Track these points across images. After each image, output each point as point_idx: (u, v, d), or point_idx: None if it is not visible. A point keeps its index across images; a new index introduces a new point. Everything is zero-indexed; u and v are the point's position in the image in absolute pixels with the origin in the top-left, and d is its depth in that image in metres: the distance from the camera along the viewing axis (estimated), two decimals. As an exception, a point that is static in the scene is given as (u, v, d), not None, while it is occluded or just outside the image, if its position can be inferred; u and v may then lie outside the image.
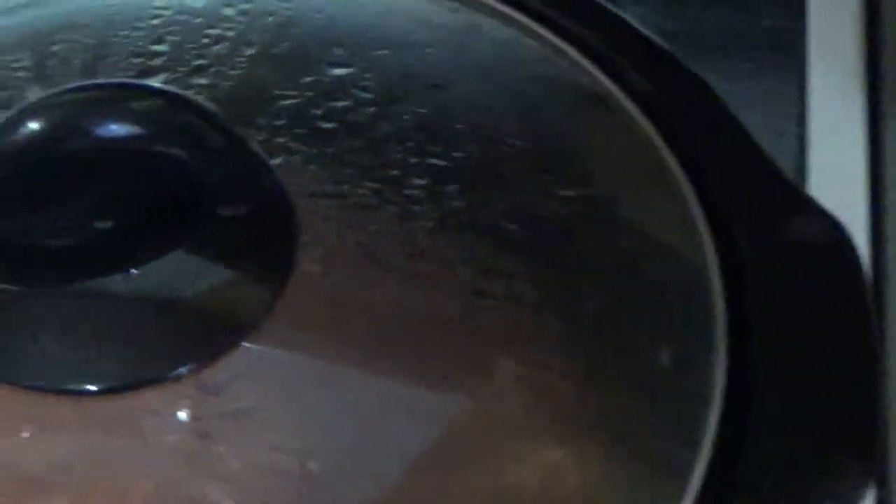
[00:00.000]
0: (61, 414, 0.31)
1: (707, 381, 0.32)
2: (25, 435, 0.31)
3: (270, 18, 0.37)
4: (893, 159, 0.51)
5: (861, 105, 0.52)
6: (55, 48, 0.37)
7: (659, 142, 0.35)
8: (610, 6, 0.39)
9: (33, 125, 0.31)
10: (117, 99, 0.32)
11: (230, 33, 0.36)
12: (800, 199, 0.34)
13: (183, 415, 0.31)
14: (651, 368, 0.33)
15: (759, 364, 0.32)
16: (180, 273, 0.31)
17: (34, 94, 0.35)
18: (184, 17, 0.36)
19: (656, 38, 0.38)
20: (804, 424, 0.32)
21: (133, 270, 0.31)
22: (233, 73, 0.36)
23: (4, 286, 0.31)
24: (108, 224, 0.31)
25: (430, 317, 0.33)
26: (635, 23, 0.38)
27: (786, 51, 0.54)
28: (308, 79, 0.36)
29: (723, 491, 0.31)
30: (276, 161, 0.33)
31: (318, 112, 0.35)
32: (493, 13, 0.38)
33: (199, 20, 0.37)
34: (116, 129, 0.31)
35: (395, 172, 0.34)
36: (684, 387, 0.32)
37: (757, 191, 0.35)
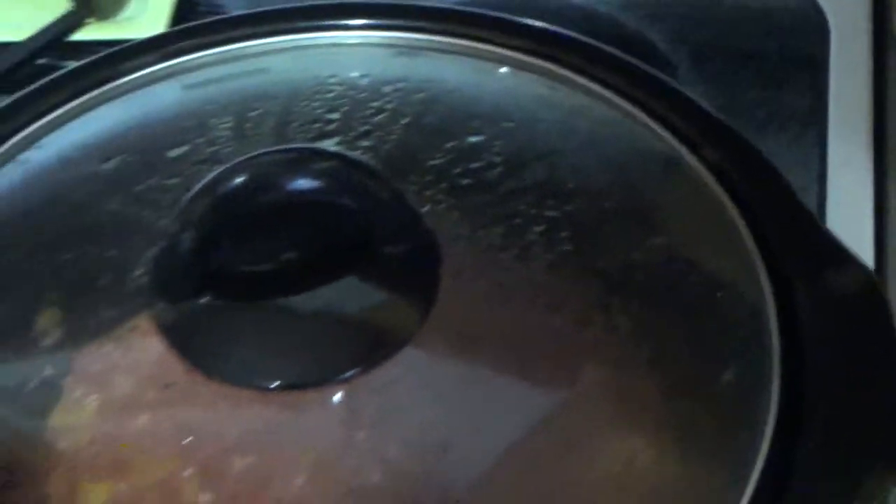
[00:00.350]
0: (256, 405, 0.31)
1: (764, 402, 0.31)
2: (231, 423, 0.31)
3: (420, 95, 0.37)
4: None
5: (870, 169, 0.51)
6: (251, 114, 0.37)
7: (728, 202, 0.35)
8: (683, 89, 0.38)
9: (240, 179, 0.32)
10: (302, 160, 0.33)
11: (388, 106, 0.36)
12: (842, 254, 0.33)
13: (349, 408, 0.31)
14: (719, 387, 0.32)
15: (809, 390, 0.30)
16: (350, 296, 0.32)
17: (235, 150, 0.35)
18: (352, 93, 0.36)
19: (721, 116, 0.37)
20: (846, 431, 0.30)
21: (313, 292, 0.31)
22: (391, 137, 0.36)
23: (217, 301, 0.31)
24: (296, 256, 0.31)
25: (543, 335, 0.33)
26: (704, 103, 0.37)
27: (811, 124, 0.52)
28: (449, 144, 0.36)
29: (778, 483, 0.29)
30: (424, 209, 0.34)
31: (457, 171, 0.35)
32: (594, 95, 0.38)
33: (363, 95, 0.37)
34: (302, 183, 0.33)
35: (517, 221, 0.34)
36: (745, 404, 0.31)
37: (807, 246, 0.34)
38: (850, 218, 0.46)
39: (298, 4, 0.41)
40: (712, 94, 0.40)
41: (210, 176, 0.33)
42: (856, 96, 0.54)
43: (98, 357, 0.32)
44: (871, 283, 0.33)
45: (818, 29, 0.57)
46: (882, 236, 0.49)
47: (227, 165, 0.33)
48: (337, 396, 0.30)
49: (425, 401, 0.31)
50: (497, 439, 0.31)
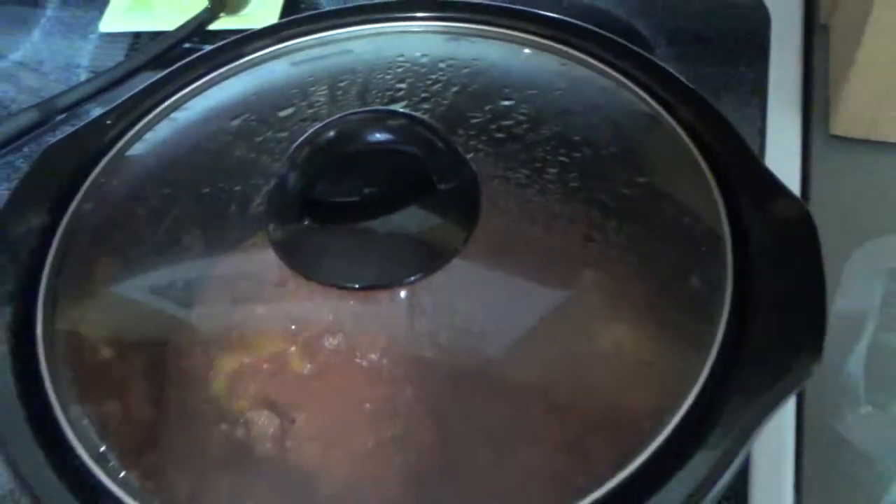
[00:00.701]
0: (343, 300, 0.31)
1: (720, 300, 0.31)
2: (324, 313, 0.31)
3: (465, 70, 0.37)
4: (816, 159, 0.49)
5: (798, 126, 0.50)
6: (340, 84, 0.37)
7: (695, 150, 0.34)
8: (662, 64, 0.37)
9: (332, 133, 0.32)
10: (379, 118, 0.32)
11: (442, 78, 0.36)
12: (781, 189, 0.32)
13: (411, 303, 0.31)
14: (687, 288, 0.32)
15: (754, 286, 0.31)
16: (413, 219, 0.32)
17: (328, 111, 0.35)
18: (415, 68, 0.36)
19: (690, 84, 0.36)
20: (782, 317, 0.30)
21: (386, 217, 0.32)
22: (444, 102, 0.36)
23: (315, 224, 0.31)
24: (373, 190, 0.32)
25: (556, 248, 0.33)
26: (678, 74, 0.36)
27: (755, 91, 0.51)
28: (487, 107, 0.35)
29: (730, 360, 0.29)
30: (469, 155, 0.33)
31: (493, 127, 0.35)
32: (595, 69, 0.37)
33: (423, 70, 0.37)
34: (378, 136, 0.31)
35: (538, 164, 0.34)
36: (706, 302, 0.31)
37: (755, 183, 0.33)
38: (783, 162, 0.45)
39: (374, 2, 0.41)
40: (682, 69, 0.38)
41: (310, 131, 0.32)
42: (789, 70, 0.53)
43: (227, 265, 0.33)
44: (803, 210, 0.32)
45: (761, 19, 0.56)
46: (807, 176, 0.48)
47: (323, 123, 0.32)
48: (403, 294, 0.30)
49: (469, 298, 0.31)
50: (521, 326, 0.31)
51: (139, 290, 0.33)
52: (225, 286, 0.32)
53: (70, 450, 0.29)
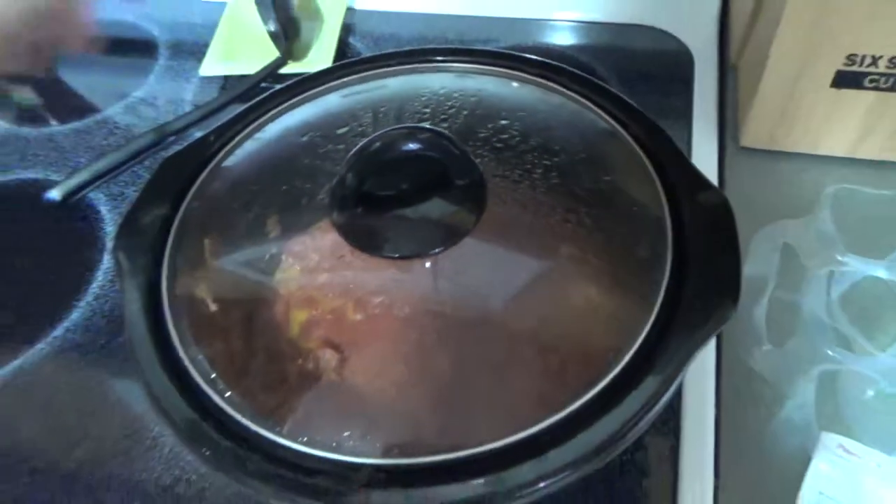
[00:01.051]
0: (386, 267, 0.31)
1: (662, 265, 0.31)
2: (372, 277, 0.31)
3: (472, 98, 0.36)
4: (729, 164, 0.48)
5: (715, 140, 0.50)
6: (381, 109, 0.36)
7: (643, 155, 0.34)
8: (618, 92, 0.37)
9: (377, 144, 0.31)
10: (410, 133, 0.32)
11: (456, 104, 0.36)
12: (707, 183, 0.33)
13: (436, 269, 0.30)
14: (637, 256, 0.32)
15: (687, 255, 0.31)
16: (436, 207, 0.32)
17: (373, 128, 0.34)
18: (435, 97, 0.35)
19: (638, 107, 0.36)
20: (708, 279, 0.30)
21: (416, 206, 0.31)
22: (458, 120, 0.35)
23: (366, 211, 0.31)
24: (407, 185, 0.32)
25: (541, 227, 0.32)
26: (630, 100, 0.36)
27: (683, 115, 0.51)
28: (490, 124, 0.35)
29: (670, 310, 0.30)
30: (477, 160, 0.33)
31: (495, 139, 0.34)
32: (568, 97, 0.37)
33: (442, 98, 0.36)
34: (411, 146, 0.31)
35: (528, 166, 0.33)
36: (651, 266, 0.31)
37: (687, 179, 0.33)
38: (705, 167, 0.44)
39: (403, 49, 0.41)
40: (629, 98, 0.38)
41: (360, 143, 0.32)
42: (708, 99, 0.52)
43: (300, 242, 0.32)
44: (723, 198, 0.32)
45: (687, 62, 0.55)
46: (723, 177, 0.48)
47: (369, 137, 0.32)
48: (429, 263, 0.30)
49: (479, 266, 0.31)
50: (515, 286, 0.31)
51: (235, 262, 0.33)
52: (298, 258, 0.32)
53: (189, 377, 0.30)
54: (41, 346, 0.45)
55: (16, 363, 0.44)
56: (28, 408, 0.42)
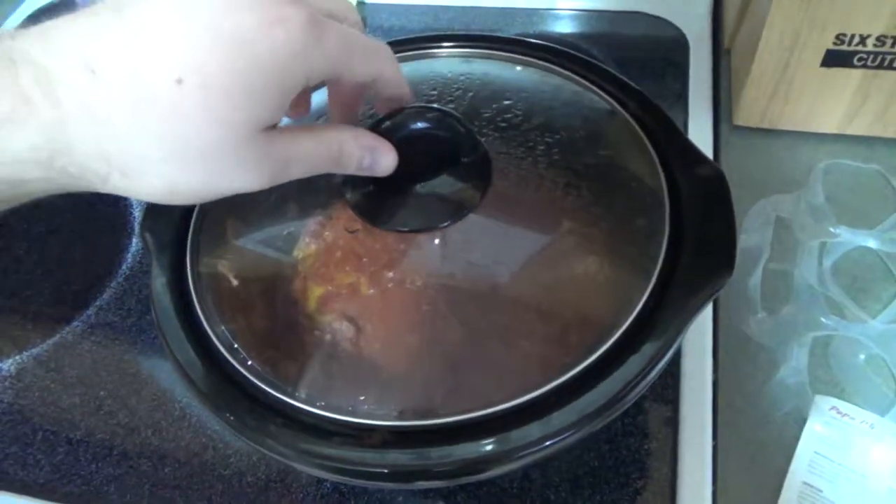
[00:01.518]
0: (398, 240, 0.30)
1: (660, 236, 0.30)
2: (385, 250, 0.30)
3: (478, 80, 0.36)
4: (724, 142, 0.48)
5: (710, 119, 0.50)
6: None
7: (641, 133, 0.34)
8: (618, 74, 0.36)
9: (390, 122, 0.30)
10: (421, 112, 0.31)
11: (462, 86, 0.35)
12: (703, 157, 0.32)
13: (444, 241, 0.30)
14: (636, 227, 0.31)
15: (684, 226, 0.31)
16: (445, 183, 0.31)
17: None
18: (443, 80, 0.34)
19: (636, 86, 0.35)
20: (704, 247, 0.30)
21: (427, 181, 0.31)
22: (464, 101, 0.34)
23: (378, 188, 0.30)
24: (419, 161, 0.30)
25: (543, 201, 0.32)
26: (627, 79, 0.36)
27: (679, 97, 0.50)
28: (494, 105, 0.34)
29: (668, 278, 0.29)
30: (483, 138, 0.32)
31: (499, 118, 0.33)
32: (569, 79, 0.36)
33: (449, 80, 0.36)
34: (421, 125, 0.30)
35: (530, 144, 0.33)
36: (650, 237, 0.31)
37: (683, 153, 0.33)
38: (701, 144, 0.44)
39: (414, 35, 0.40)
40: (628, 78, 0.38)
41: (371, 123, 0.31)
42: (703, 81, 0.52)
43: (316, 220, 0.32)
44: (719, 172, 0.31)
45: (682, 46, 0.54)
46: (717, 153, 0.48)
47: (380, 117, 0.31)
48: (437, 235, 0.30)
49: (484, 238, 0.30)
50: (520, 257, 0.30)
51: (255, 241, 0.33)
52: (315, 235, 0.32)
53: (213, 348, 0.30)
54: (76, 325, 0.45)
55: (53, 340, 0.45)
56: (65, 382, 0.43)
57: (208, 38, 0.22)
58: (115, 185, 0.24)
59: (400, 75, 0.29)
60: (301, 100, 0.31)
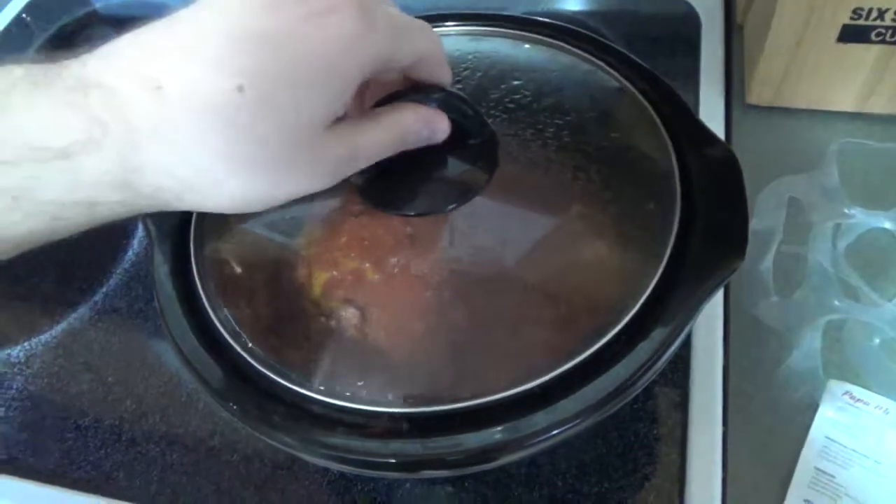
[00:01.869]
0: (404, 224, 0.30)
1: (670, 219, 0.30)
2: (390, 233, 0.30)
3: (486, 60, 0.35)
4: (736, 121, 0.47)
5: (722, 98, 0.49)
6: None
7: (652, 112, 0.33)
8: (628, 53, 0.36)
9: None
10: (427, 94, 0.29)
11: (470, 66, 0.34)
12: (714, 138, 0.31)
13: (452, 224, 0.30)
14: (647, 210, 0.31)
15: (695, 209, 0.30)
16: (452, 165, 0.30)
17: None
18: (451, 59, 0.32)
19: (646, 65, 0.35)
20: (715, 231, 0.29)
21: (434, 164, 0.30)
22: (473, 81, 0.34)
23: (381, 171, 0.29)
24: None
25: (552, 184, 0.31)
26: (637, 58, 0.35)
27: (690, 75, 0.49)
28: (502, 85, 0.33)
29: (678, 261, 0.29)
30: (490, 119, 0.31)
31: (507, 98, 0.33)
32: (580, 57, 0.35)
33: (457, 60, 0.34)
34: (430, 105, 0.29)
35: (539, 125, 0.32)
36: (661, 220, 0.30)
37: (694, 133, 0.32)
38: (712, 124, 0.43)
39: (420, 14, 0.38)
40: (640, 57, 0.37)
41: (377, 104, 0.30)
42: (715, 58, 0.51)
43: (321, 205, 0.31)
44: (731, 153, 0.31)
45: (694, 23, 0.53)
46: (729, 133, 0.47)
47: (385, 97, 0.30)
48: (444, 219, 0.29)
49: (491, 220, 0.30)
50: (527, 241, 0.30)
51: (260, 226, 0.32)
52: (319, 221, 0.31)
53: (217, 336, 0.29)
54: (83, 311, 0.45)
55: (60, 326, 0.45)
56: (73, 368, 0.43)
57: (261, 40, 0.22)
58: (188, 202, 0.24)
59: (442, 55, 0.28)
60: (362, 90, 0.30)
